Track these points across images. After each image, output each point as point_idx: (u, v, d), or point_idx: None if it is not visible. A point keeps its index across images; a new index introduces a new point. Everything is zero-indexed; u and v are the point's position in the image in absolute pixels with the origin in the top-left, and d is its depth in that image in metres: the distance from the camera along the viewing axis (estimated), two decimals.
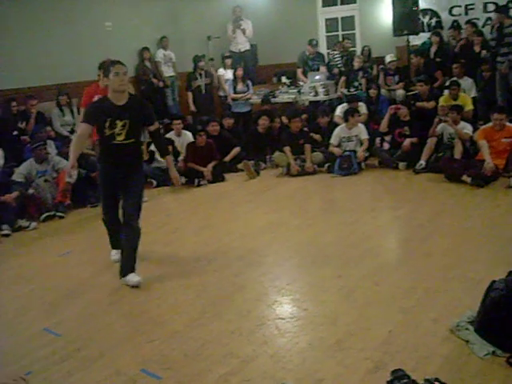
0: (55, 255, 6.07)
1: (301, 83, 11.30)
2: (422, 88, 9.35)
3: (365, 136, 8.79)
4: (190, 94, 11.25)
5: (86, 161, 8.40)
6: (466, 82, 9.42)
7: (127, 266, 4.94)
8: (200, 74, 11.14)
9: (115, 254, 5.40)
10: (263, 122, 9.61)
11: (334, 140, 8.88)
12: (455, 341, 3.57)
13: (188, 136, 9.46)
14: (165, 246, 6.04)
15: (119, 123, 4.73)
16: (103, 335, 4.10)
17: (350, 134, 8.86)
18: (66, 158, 8.05)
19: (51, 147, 8.41)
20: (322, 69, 11.51)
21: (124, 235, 4.97)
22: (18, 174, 7.52)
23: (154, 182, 8.75)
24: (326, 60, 12.03)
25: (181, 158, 9.05)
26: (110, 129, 4.72)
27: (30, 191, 7.46)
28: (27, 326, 4.38)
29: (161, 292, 4.80)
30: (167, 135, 9.42)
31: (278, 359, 3.56)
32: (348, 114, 8.95)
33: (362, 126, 8.90)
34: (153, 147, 8.96)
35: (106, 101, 4.79)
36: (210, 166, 8.80)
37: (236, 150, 9.38)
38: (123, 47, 10.63)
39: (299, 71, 11.71)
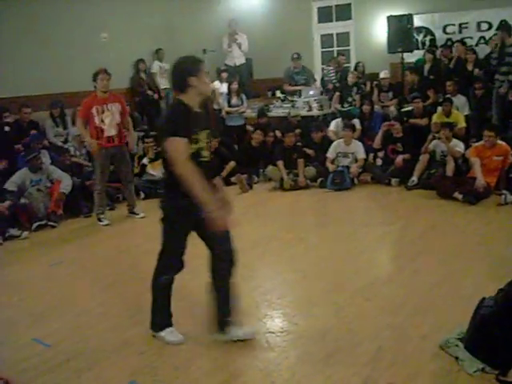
0: (46, 265, 6.04)
1: (295, 98, 11.32)
2: (418, 105, 9.41)
3: (361, 155, 8.83)
4: None
5: (79, 170, 8.42)
6: (460, 100, 9.48)
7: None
8: None
9: (172, 333, 4.08)
10: (257, 136, 9.65)
11: (330, 153, 8.93)
12: (444, 357, 3.57)
13: None
14: (155, 258, 6.01)
15: (203, 134, 3.71)
16: (93, 346, 4.08)
17: (346, 151, 8.91)
18: (62, 168, 8.09)
19: (45, 157, 8.40)
20: (316, 84, 11.59)
21: (224, 278, 3.96)
22: (11, 183, 7.47)
23: (143, 194, 8.75)
24: (320, 75, 12.12)
25: None
26: (195, 142, 3.65)
27: (23, 200, 7.43)
28: (16, 336, 4.35)
29: (151, 304, 4.78)
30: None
31: (268, 373, 3.55)
32: (345, 127, 9.04)
33: (359, 145, 8.93)
34: (145, 160, 8.98)
35: (185, 106, 3.66)
36: None
37: (231, 164, 9.37)
38: (118, 58, 10.66)
39: (285, 85, 11.79)
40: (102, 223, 7.39)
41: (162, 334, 4.05)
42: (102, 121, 7.14)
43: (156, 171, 8.97)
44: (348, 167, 8.71)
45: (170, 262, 4.01)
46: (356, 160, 8.85)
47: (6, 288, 5.50)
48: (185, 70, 3.65)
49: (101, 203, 7.43)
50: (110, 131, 7.18)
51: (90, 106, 7.14)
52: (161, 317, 4.09)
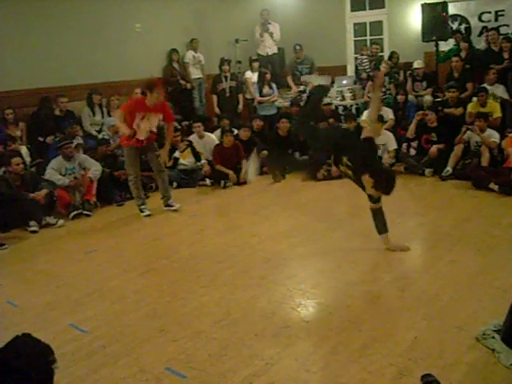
0: (82, 253, 6.13)
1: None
2: (453, 94, 9.27)
3: (393, 146, 8.72)
4: (214, 97, 11.33)
5: (114, 160, 8.50)
6: (498, 89, 9.31)
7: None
8: (225, 77, 11.18)
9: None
10: (283, 124, 9.48)
11: None
12: (481, 349, 3.54)
13: (211, 138, 9.49)
14: (189, 247, 6.07)
15: None
16: (128, 333, 4.13)
17: (377, 142, 8.80)
18: (97, 157, 8.18)
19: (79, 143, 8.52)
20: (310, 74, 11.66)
21: None
22: (51, 170, 7.61)
23: (175, 184, 8.81)
24: (354, 64, 12.02)
25: (203, 160, 9.07)
26: None
27: (60, 188, 7.55)
28: (53, 322, 4.43)
29: (186, 292, 4.83)
30: (190, 137, 9.49)
31: (303, 362, 3.56)
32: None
33: (390, 136, 8.82)
34: (177, 154, 9.00)
35: None
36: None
37: (263, 153, 9.34)
38: (152, 49, 10.74)
39: (289, 78, 11.80)
40: (143, 214, 7.38)
41: None
42: (138, 126, 7.03)
43: (187, 160, 9.03)
44: (380, 158, 8.62)
45: None
46: (387, 151, 8.76)
47: (43, 275, 5.59)
48: None
49: (138, 194, 7.40)
50: (142, 135, 7.09)
51: (136, 108, 7.03)
52: None
